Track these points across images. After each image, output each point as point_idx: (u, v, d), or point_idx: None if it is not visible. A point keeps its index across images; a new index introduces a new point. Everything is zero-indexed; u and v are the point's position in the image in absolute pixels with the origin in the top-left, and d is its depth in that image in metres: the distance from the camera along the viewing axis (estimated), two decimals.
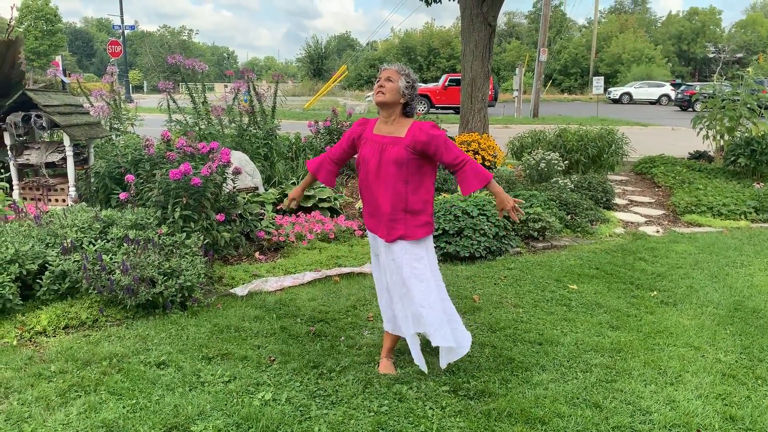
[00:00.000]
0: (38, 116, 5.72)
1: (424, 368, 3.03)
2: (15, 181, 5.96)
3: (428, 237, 2.99)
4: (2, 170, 6.30)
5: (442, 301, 2.98)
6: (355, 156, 3.11)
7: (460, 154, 2.87)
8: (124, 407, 2.68)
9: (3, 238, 3.88)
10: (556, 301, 4.21)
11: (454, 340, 2.94)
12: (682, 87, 32.86)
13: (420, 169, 2.89)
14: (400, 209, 2.88)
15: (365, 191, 3.01)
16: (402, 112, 2.97)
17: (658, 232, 6.35)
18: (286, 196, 6.25)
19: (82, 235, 4.13)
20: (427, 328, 2.88)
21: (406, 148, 2.84)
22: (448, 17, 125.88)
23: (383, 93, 2.91)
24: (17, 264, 3.68)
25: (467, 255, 5.02)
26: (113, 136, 7.12)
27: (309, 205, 6.12)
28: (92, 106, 7.33)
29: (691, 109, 28.06)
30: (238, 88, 7.89)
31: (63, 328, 3.53)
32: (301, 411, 2.71)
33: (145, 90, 46.02)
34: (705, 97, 10.06)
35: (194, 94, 7.58)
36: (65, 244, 3.91)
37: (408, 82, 2.92)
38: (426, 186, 2.93)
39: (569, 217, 6.17)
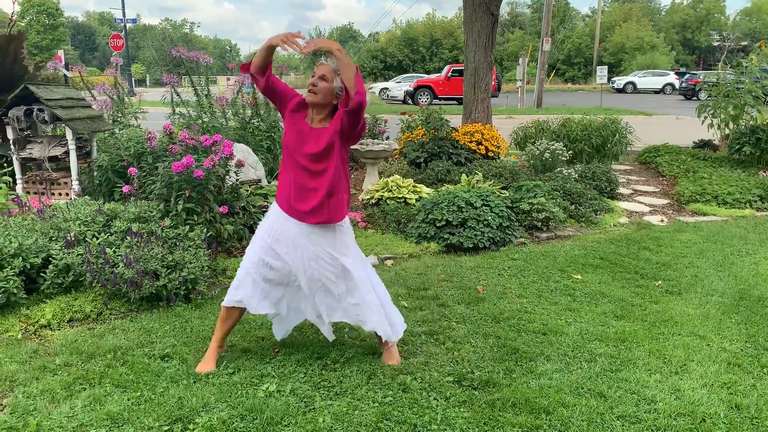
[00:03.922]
0: (40, 110, 5.71)
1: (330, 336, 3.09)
2: (18, 175, 5.96)
3: (346, 218, 2.94)
4: (5, 164, 6.31)
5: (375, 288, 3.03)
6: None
7: None
8: (128, 400, 2.69)
9: (7, 232, 3.89)
10: (561, 291, 4.20)
11: (390, 326, 3.02)
12: (687, 76, 32.64)
13: (342, 148, 2.78)
14: (326, 194, 2.77)
15: (285, 174, 2.87)
16: (331, 113, 2.81)
17: (662, 221, 6.33)
18: None
19: (86, 229, 4.13)
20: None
21: (333, 133, 2.73)
22: (450, 7, 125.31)
23: (315, 93, 2.74)
24: (21, 258, 3.69)
25: (471, 246, 5.01)
26: (116, 130, 7.12)
27: None
28: (95, 99, 7.32)
29: (695, 98, 27.88)
30: (241, 81, 7.86)
31: (67, 322, 3.54)
32: (305, 402, 2.72)
33: (148, 83, 45.94)
34: (709, 85, 9.97)
35: (197, 87, 7.57)
36: (69, 238, 3.91)
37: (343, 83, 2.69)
38: (346, 163, 2.86)
39: (573, 207, 6.15)
